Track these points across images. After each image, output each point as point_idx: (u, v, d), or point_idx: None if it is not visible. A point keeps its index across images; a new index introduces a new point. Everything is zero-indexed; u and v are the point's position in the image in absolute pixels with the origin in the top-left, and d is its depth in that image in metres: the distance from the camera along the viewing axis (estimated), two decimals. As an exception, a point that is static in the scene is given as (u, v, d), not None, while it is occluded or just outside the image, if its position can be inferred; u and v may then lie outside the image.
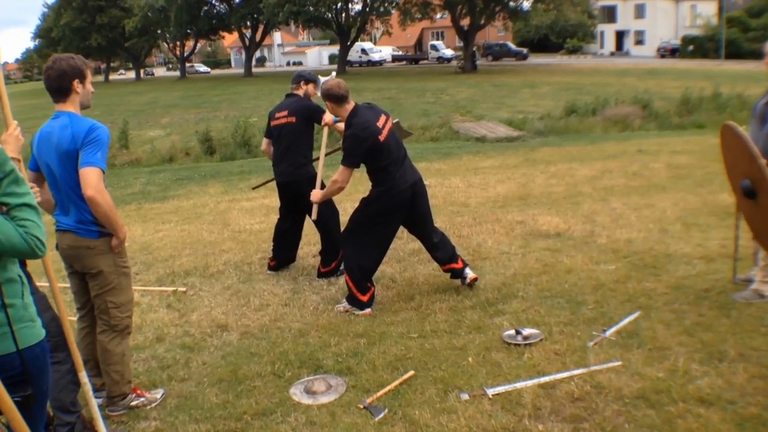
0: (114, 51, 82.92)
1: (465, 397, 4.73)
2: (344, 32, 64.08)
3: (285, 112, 7.47)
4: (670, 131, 23.55)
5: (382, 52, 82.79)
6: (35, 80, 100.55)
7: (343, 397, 4.89)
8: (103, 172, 4.32)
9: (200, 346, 5.96)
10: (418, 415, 4.53)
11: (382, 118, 6.47)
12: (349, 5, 63.76)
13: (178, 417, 4.77)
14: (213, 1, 71.38)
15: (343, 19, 63.95)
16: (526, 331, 5.65)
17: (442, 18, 70.95)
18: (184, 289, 7.51)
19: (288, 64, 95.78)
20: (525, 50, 76.51)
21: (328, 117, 7.15)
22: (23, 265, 4.05)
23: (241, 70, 75.97)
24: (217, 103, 40.28)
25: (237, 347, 5.89)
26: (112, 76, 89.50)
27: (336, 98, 6.46)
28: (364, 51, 79.71)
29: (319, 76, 7.76)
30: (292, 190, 7.60)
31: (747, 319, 5.72)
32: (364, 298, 6.55)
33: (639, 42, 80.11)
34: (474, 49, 62.19)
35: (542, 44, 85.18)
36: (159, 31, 75.74)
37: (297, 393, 4.99)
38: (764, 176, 5.17)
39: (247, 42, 73.20)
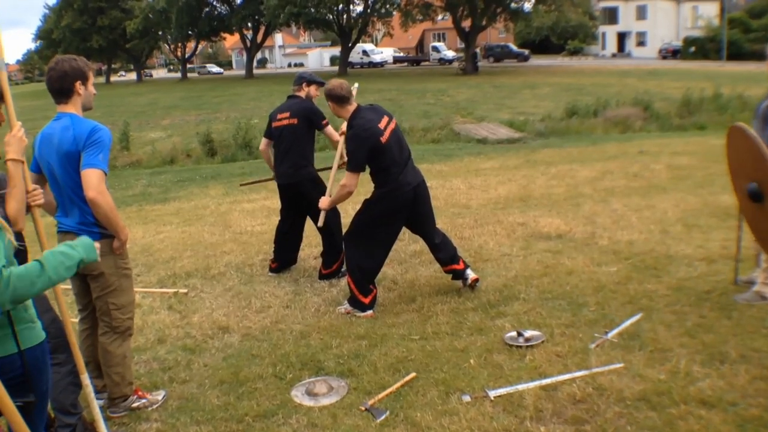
0: (115, 52, 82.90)
1: (466, 399, 4.73)
2: (345, 34, 64.06)
3: (287, 114, 7.47)
4: (671, 132, 23.55)
5: (384, 53, 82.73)
6: (36, 81, 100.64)
7: (345, 399, 4.89)
8: (105, 174, 4.32)
9: (201, 348, 5.96)
10: (420, 417, 4.53)
11: (385, 119, 6.45)
12: (351, 7, 63.73)
13: (179, 419, 4.77)
14: (214, 3, 71.33)
15: (345, 20, 63.91)
16: (528, 333, 5.65)
17: (444, 19, 70.88)
18: (185, 290, 7.52)
19: (289, 65, 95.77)
20: (526, 51, 76.43)
21: (332, 131, 7.31)
22: None
23: (242, 72, 75.96)
24: (217, 104, 40.27)
25: (238, 349, 5.89)
26: (112, 78, 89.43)
27: (338, 98, 6.45)
28: (365, 52, 79.65)
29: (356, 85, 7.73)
30: (293, 191, 7.60)
31: (748, 321, 5.72)
32: (366, 300, 6.55)
33: (640, 43, 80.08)
34: (477, 50, 62.19)
35: (543, 46, 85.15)
36: (160, 33, 75.69)
37: (298, 395, 4.99)
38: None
39: (248, 43, 73.18)
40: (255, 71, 74.31)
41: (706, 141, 17.51)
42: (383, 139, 6.29)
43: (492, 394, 4.75)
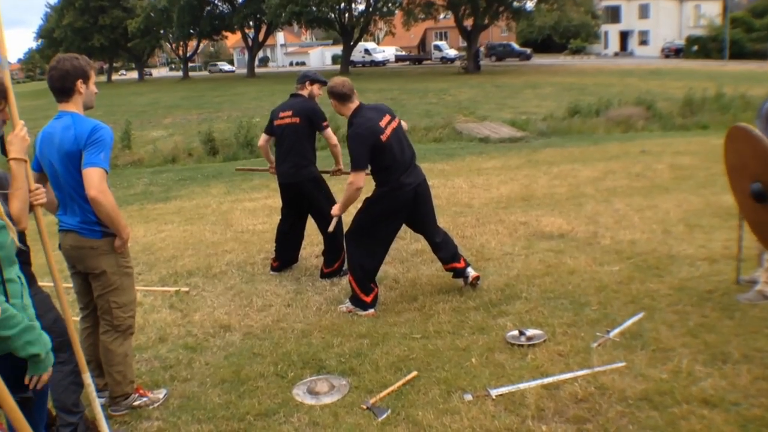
0: (116, 52, 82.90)
1: (468, 397, 4.73)
2: (347, 32, 64.02)
3: (289, 112, 7.47)
4: (674, 132, 23.54)
5: (385, 52, 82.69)
6: (37, 80, 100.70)
7: (346, 398, 4.89)
8: (107, 173, 4.32)
9: (203, 347, 5.96)
10: (421, 415, 4.53)
11: (386, 118, 6.46)
12: (352, 5, 63.68)
13: (180, 417, 4.76)
14: (216, 1, 71.30)
15: (346, 19, 63.87)
16: (530, 332, 5.64)
17: (446, 18, 70.77)
18: (186, 289, 7.51)
19: (291, 64, 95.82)
20: (528, 50, 76.40)
21: (331, 134, 7.38)
22: (27, 265, 4.06)
23: (244, 71, 75.94)
24: (219, 103, 40.25)
25: (240, 348, 5.89)
26: (113, 77, 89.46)
27: (339, 96, 6.46)
28: (367, 51, 79.62)
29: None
30: (294, 190, 7.60)
31: (751, 321, 5.71)
32: (368, 299, 6.55)
33: (643, 42, 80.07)
34: (481, 48, 62.13)
35: (545, 44, 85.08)
36: (161, 32, 75.70)
37: (300, 393, 4.99)
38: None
39: (250, 42, 73.17)
40: (257, 70, 74.31)
41: (708, 141, 17.49)
42: (383, 137, 6.29)
43: (494, 392, 4.74)
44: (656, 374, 4.86)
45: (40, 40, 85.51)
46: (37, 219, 3.89)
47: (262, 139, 7.92)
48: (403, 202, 6.47)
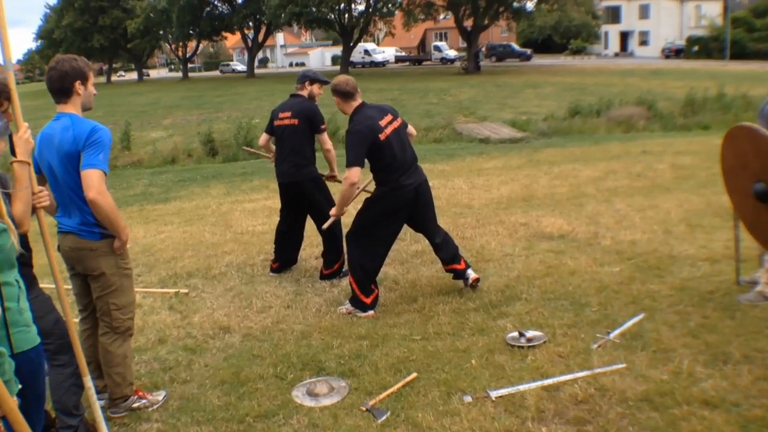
0: (116, 52, 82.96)
1: (468, 399, 4.72)
2: (347, 33, 64.04)
3: (288, 113, 7.47)
4: (675, 132, 23.52)
5: (385, 52, 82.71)
6: (37, 81, 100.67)
7: (346, 400, 4.88)
8: (105, 174, 4.31)
9: (202, 348, 5.95)
10: (421, 417, 4.52)
11: (388, 117, 6.47)
12: (352, 6, 63.70)
13: (180, 419, 4.76)
14: (215, 2, 71.32)
15: (346, 19, 63.90)
16: (530, 334, 5.63)
17: (446, 19, 70.80)
18: (186, 290, 7.50)
19: (291, 65, 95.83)
20: (529, 51, 76.42)
21: (326, 139, 7.39)
22: (28, 267, 4.05)
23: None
24: (219, 104, 40.25)
25: (239, 349, 5.88)
26: (112, 78, 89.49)
27: (342, 94, 6.50)
28: (366, 52, 79.62)
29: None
30: (294, 190, 7.60)
31: (752, 321, 5.70)
32: (367, 300, 6.54)
33: (643, 42, 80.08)
34: (481, 49, 62.10)
35: (546, 45, 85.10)
36: (161, 32, 75.71)
37: (299, 395, 4.98)
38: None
39: (250, 43, 73.19)
40: (256, 71, 74.31)
41: (709, 141, 17.45)
42: (382, 136, 6.30)
43: (493, 394, 4.73)
44: (657, 375, 4.85)
45: (39, 41, 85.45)
46: (39, 221, 3.89)
47: (263, 138, 7.94)
48: (402, 202, 6.47)
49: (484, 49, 69.30)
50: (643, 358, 5.14)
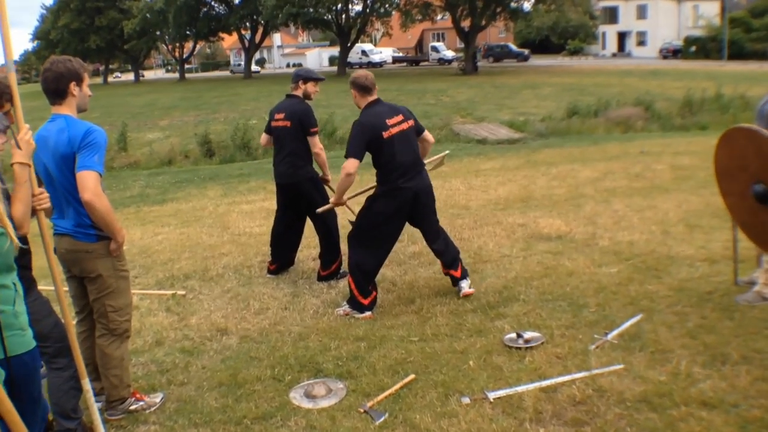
0: (113, 53, 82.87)
1: (466, 400, 4.71)
2: (344, 33, 64.04)
3: (282, 115, 7.48)
4: (673, 132, 23.55)
5: (383, 53, 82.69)
6: (33, 82, 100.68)
7: (344, 401, 4.87)
8: (101, 176, 4.30)
9: (200, 350, 5.93)
10: (419, 419, 4.51)
11: (398, 117, 6.50)
12: (349, 6, 63.70)
13: (177, 421, 4.75)
14: (212, 3, 71.23)
15: (343, 20, 63.89)
16: (528, 335, 5.62)
17: (443, 19, 70.74)
18: (183, 292, 7.49)
19: (288, 65, 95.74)
20: (526, 51, 76.38)
21: (315, 142, 7.36)
22: (27, 270, 4.04)
23: (228, 72, 75.94)
24: (216, 105, 40.27)
25: (236, 351, 5.87)
26: (108, 79, 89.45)
27: (361, 87, 6.60)
28: (364, 52, 79.56)
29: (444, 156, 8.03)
30: (292, 191, 7.61)
31: (750, 322, 5.69)
32: (365, 302, 6.53)
33: (641, 43, 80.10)
34: (479, 48, 62.10)
35: (543, 45, 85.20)
36: (158, 33, 75.65)
37: (297, 397, 4.97)
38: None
39: (247, 43, 73.15)
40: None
41: (708, 141, 17.38)
42: (385, 134, 6.32)
43: (491, 395, 4.73)
44: (655, 376, 4.84)
45: (36, 42, 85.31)
46: (39, 223, 3.89)
47: (263, 138, 7.96)
48: (400, 203, 6.47)
49: (482, 49, 69.34)
50: (641, 359, 5.13)
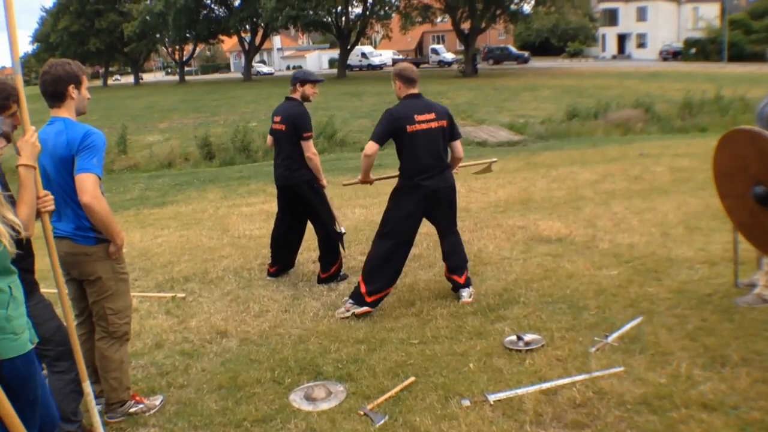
0: (112, 55, 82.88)
1: (466, 403, 4.70)
2: (344, 36, 64.10)
3: (279, 118, 7.52)
4: (673, 134, 23.54)
5: (383, 55, 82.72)
6: (33, 84, 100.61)
7: (344, 404, 4.86)
8: (100, 178, 4.29)
9: (199, 353, 5.93)
10: (419, 421, 4.51)
11: (429, 115, 6.51)
12: (349, 9, 63.74)
13: (177, 424, 4.74)
14: (212, 5, 71.23)
15: (343, 22, 63.96)
16: (528, 337, 5.62)
17: (443, 22, 70.81)
18: (183, 295, 7.48)
19: (288, 68, 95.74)
20: (526, 53, 76.40)
21: (308, 146, 7.33)
22: (29, 273, 4.03)
23: (240, 74, 75.97)
24: (216, 107, 40.28)
25: (236, 354, 5.86)
26: (108, 82, 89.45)
27: (406, 79, 6.62)
28: (364, 55, 79.64)
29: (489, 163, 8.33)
30: (291, 193, 7.63)
31: (750, 324, 5.69)
32: (369, 299, 6.53)
33: (641, 45, 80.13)
34: (481, 50, 62.07)
35: (543, 47, 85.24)
36: (158, 36, 75.66)
37: (297, 399, 4.96)
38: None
39: (247, 46, 73.16)
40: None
41: (707, 143, 17.39)
42: (410, 128, 6.38)
43: (491, 398, 4.72)
44: (655, 378, 4.84)
45: (35, 44, 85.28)
46: (44, 226, 3.89)
47: (269, 140, 7.95)
48: (417, 200, 6.54)
49: (482, 51, 69.33)
50: (642, 362, 5.13)
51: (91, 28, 74.81)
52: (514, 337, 5.64)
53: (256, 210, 12.20)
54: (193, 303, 7.25)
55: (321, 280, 7.61)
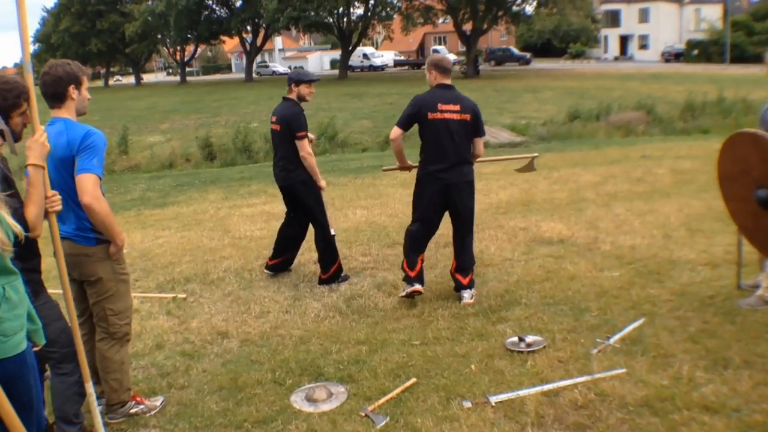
0: (114, 56, 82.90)
1: (467, 404, 4.70)
2: (346, 37, 64.11)
3: (274, 118, 7.57)
4: (674, 136, 23.48)
5: (384, 57, 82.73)
6: (34, 85, 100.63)
7: (345, 405, 4.86)
8: (100, 179, 4.29)
9: (200, 354, 5.92)
10: (420, 423, 4.50)
11: (454, 106, 6.56)
12: (351, 10, 63.74)
13: (177, 425, 4.74)
14: (213, 6, 71.23)
15: (345, 23, 63.96)
16: (529, 339, 5.61)
17: (445, 23, 70.82)
18: (184, 295, 7.47)
19: (290, 68, 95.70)
20: (528, 55, 76.39)
21: (302, 145, 7.34)
22: (36, 273, 4.03)
23: (241, 75, 75.98)
24: (217, 108, 40.27)
25: (237, 354, 5.85)
26: (110, 82, 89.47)
27: (442, 69, 6.72)
28: (365, 56, 79.65)
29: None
30: (288, 192, 7.71)
31: (752, 326, 5.69)
32: (412, 273, 6.70)
33: (643, 46, 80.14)
34: (483, 52, 62.03)
35: (545, 49, 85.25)
36: (159, 36, 75.68)
37: (298, 401, 4.96)
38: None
39: (248, 47, 73.16)
40: (254, 75, 74.23)
41: (709, 145, 17.40)
42: (431, 115, 6.49)
43: (493, 399, 4.72)
44: (657, 380, 4.84)
45: (36, 45, 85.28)
46: (51, 226, 3.89)
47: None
48: (432, 191, 6.68)
49: (483, 52, 69.27)
50: (643, 363, 5.12)
51: (93, 28, 74.88)
52: (515, 339, 5.63)
53: (258, 211, 12.18)
54: (194, 304, 7.24)
55: (322, 281, 7.60)
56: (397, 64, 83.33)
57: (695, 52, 69.72)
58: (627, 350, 5.38)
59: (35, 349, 3.65)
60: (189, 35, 71.56)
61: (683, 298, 6.43)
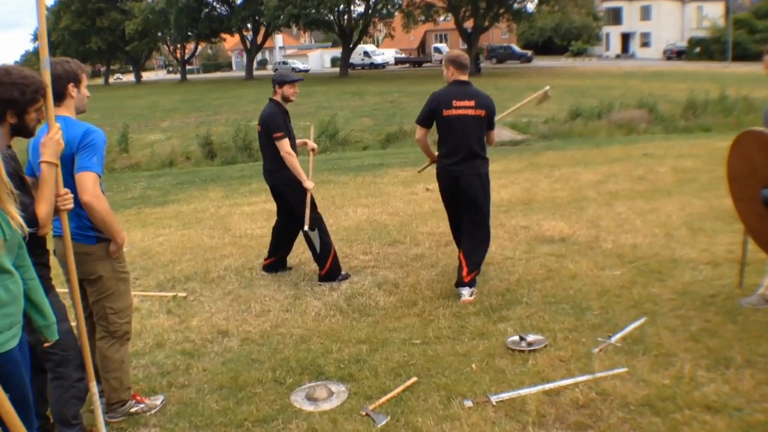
0: (114, 54, 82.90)
1: (468, 404, 4.69)
2: (346, 35, 64.12)
3: (258, 120, 7.61)
4: (676, 135, 23.45)
5: (385, 54, 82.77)
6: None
7: (345, 404, 4.85)
8: (100, 177, 4.28)
9: (200, 352, 5.91)
10: (421, 422, 4.49)
11: (468, 102, 6.71)
12: (351, 7, 63.75)
13: (178, 424, 4.73)
14: (214, 3, 71.25)
15: (345, 21, 63.97)
16: (531, 338, 5.60)
17: (446, 20, 70.73)
18: (184, 294, 7.46)
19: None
20: (529, 53, 76.42)
21: (281, 145, 7.36)
22: (46, 268, 4.03)
23: (242, 73, 76.00)
24: (217, 106, 40.30)
25: (238, 353, 5.84)
26: (110, 80, 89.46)
27: (458, 65, 6.82)
28: (366, 53, 79.68)
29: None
30: (275, 192, 7.83)
31: (754, 325, 5.67)
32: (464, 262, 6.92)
33: (645, 44, 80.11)
34: (484, 49, 61.97)
35: (547, 46, 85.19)
36: (159, 34, 75.70)
37: (298, 400, 4.95)
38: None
39: (248, 44, 73.16)
40: (255, 72, 74.26)
41: (711, 143, 17.43)
42: (446, 112, 6.66)
43: (494, 399, 4.71)
44: (658, 380, 4.83)
45: (36, 43, 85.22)
46: (62, 224, 3.89)
47: None
48: (444, 183, 6.93)
49: (485, 50, 69.21)
50: (645, 363, 5.11)
51: (93, 26, 74.93)
52: (516, 338, 5.62)
53: (258, 209, 12.17)
54: (194, 302, 7.23)
55: (321, 278, 7.59)
56: (398, 61, 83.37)
57: (697, 50, 69.72)
58: (628, 349, 5.37)
59: (45, 345, 3.65)
60: (189, 33, 71.63)
61: (685, 297, 6.42)
